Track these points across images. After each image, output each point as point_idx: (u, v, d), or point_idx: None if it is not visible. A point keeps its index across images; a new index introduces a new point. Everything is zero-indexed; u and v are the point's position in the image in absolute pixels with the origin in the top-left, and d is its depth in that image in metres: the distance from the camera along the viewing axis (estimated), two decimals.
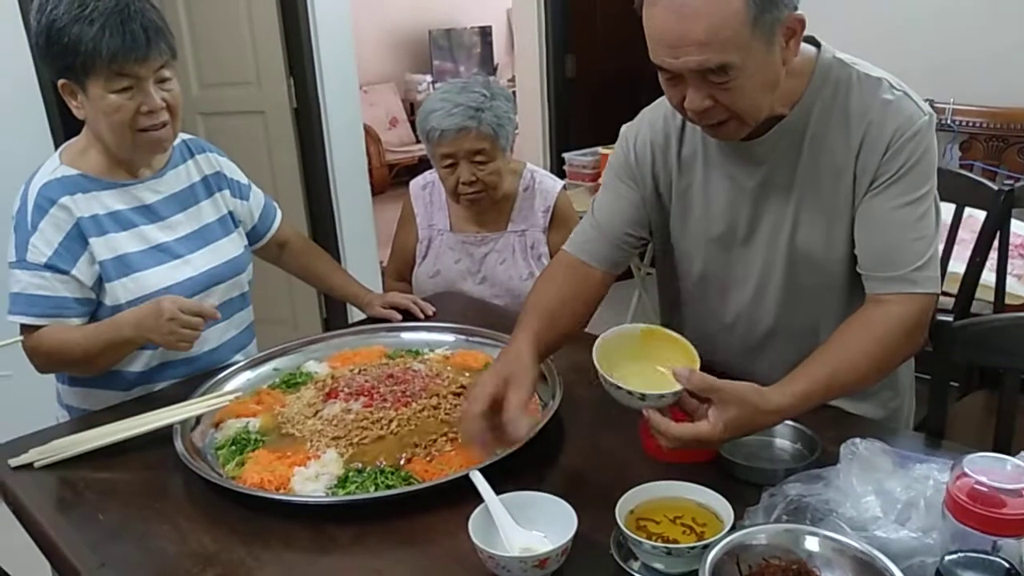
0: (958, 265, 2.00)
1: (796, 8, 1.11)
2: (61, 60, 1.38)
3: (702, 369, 1.09)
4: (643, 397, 1.06)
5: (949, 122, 2.72)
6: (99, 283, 1.48)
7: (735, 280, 1.37)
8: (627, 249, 1.41)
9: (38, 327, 1.45)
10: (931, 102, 2.74)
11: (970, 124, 2.70)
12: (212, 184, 1.66)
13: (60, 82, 1.42)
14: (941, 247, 2.00)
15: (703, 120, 1.17)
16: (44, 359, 1.45)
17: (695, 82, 1.10)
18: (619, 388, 1.08)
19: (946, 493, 0.85)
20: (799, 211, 1.26)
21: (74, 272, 1.45)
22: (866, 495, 0.94)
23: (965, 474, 0.83)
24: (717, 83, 1.09)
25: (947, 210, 2.01)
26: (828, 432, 1.18)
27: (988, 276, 1.96)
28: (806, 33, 1.20)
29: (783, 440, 1.21)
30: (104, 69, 1.36)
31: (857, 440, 1.00)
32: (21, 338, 1.44)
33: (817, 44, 1.25)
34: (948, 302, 2.03)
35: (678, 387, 1.05)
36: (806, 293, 1.31)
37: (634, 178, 1.39)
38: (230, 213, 1.68)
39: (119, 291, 1.48)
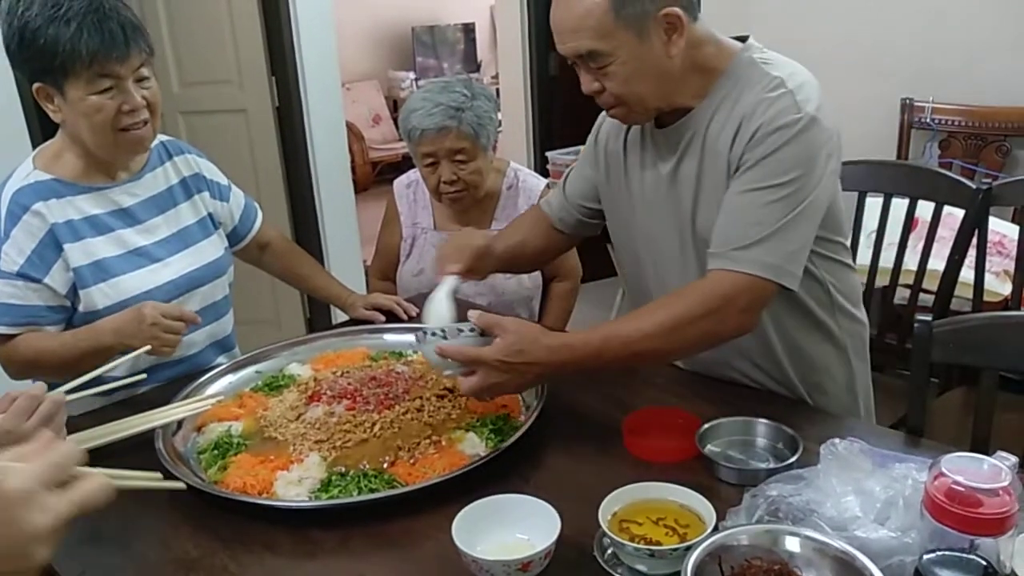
0: (937, 263, 2.02)
1: (674, 4, 1.20)
2: (37, 63, 1.36)
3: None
4: (443, 332, 1.20)
5: (928, 120, 2.74)
6: (73, 290, 1.46)
7: (662, 268, 1.41)
8: (584, 219, 1.57)
9: (12, 336, 1.44)
10: (910, 100, 2.77)
11: (949, 123, 2.72)
12: (191, 186, 1.64)
13: (35, 86, 1.39)
14: (919, 248, 2.02)
15: (601, 103, 1.31)
16: (19, 368, 1.44)
17: (582, 67, 1.26)
18: (423, 333, 1.21)
19: (924, 493, 0.86)
20: (698, 200, 1.31)
21: (47, 280, 1.43)
22: (846, 495, 0.95)
23: (943, 474, 0.84)
24: (595, 68, 1.24)
25: (926, 208, 2.03)
26: (809, 432, 1.19)
27: (967, 273, 1.98)
28: (740, 33, 1.31)
29: (764, 440, 1.22)
30: (84, 70, 1.34)
31: (836, 440, 1.01)
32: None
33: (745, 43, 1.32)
34: (928, 299, 2.05)
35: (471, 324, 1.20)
36: None
37: (591, 160, 1.52)
38: (209, 215, 1.67)
39: (96, 297, 1.46)
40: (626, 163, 1.43)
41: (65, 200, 1.46)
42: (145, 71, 1.42)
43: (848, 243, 1.42)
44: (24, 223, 1.42)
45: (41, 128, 2.47)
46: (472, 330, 1.19)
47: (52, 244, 1.44)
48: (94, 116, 1.39)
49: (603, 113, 1.47)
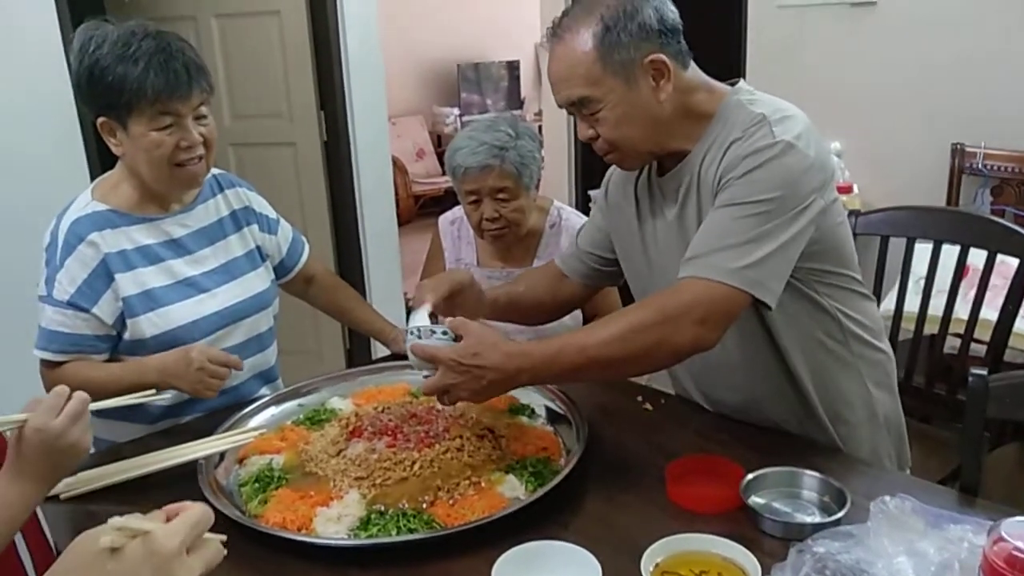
0: (990, 312, 1.97)
1: (660, 51, 1.25)
2: (104, 99, 1.41)
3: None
4: (418, 331, 1.24)
5: (980, 166, 2.70)
6: (121, 320, 1.50)
7: None
8: (594, 266, 1.59)
9: (59, 363, 1.48)
10: (961, 146, 2.73)
11: (1001, 169, 2.67)
12: (240, 219, 1.68)
13: (100, 120, 1.45)
14: (970, 296, 1.98)
15: (596, 150, 1.35)
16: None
17: (577, 114, 1.32)
18: (407, 333, 1.25)
19: (983, 558, 0.83)
20: None
21: (95, 310, 1.47)
22: (898, 555, 0.92)
23: (1002, 538, 0.81)
24: (588, 115, 1.30)
25: (978, 256, 1.99)
26: (857, 486, 1.16)
27: (1021, 324, 1.93)
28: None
29: (810, 492, 1.19)
30: (148, 108, 1.40)
31: (887, 497, 0.98)
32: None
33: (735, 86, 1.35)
34: (979, 349, 2.00)
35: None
36: None
37: (603, 211, 1.57)
38: (258, 248, 1.70)
39: (144, 326, 1.49)
40: (638, 211, 1.45)
41: (119, 230, 1.50)
42: (204, 109, 1.47)
43: (860, 277, 1.41)
44: (79, 253, 1.46)
45: (100, 161, 2.55)
46: (445, 333, 1.23)
47: (103, 274, 1.47)
48: (154, 151, 1.43)
49: (612, 167, 1.51)
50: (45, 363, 1.50)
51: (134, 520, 0.66)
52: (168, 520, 0.69)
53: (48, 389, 1.48)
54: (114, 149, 1.49)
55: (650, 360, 1.24)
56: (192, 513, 0.69)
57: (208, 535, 0.71)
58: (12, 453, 1.01)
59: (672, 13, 1.29)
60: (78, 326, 1.47)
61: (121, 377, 1.45)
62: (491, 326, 1.35)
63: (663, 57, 1.26)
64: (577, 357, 1.19)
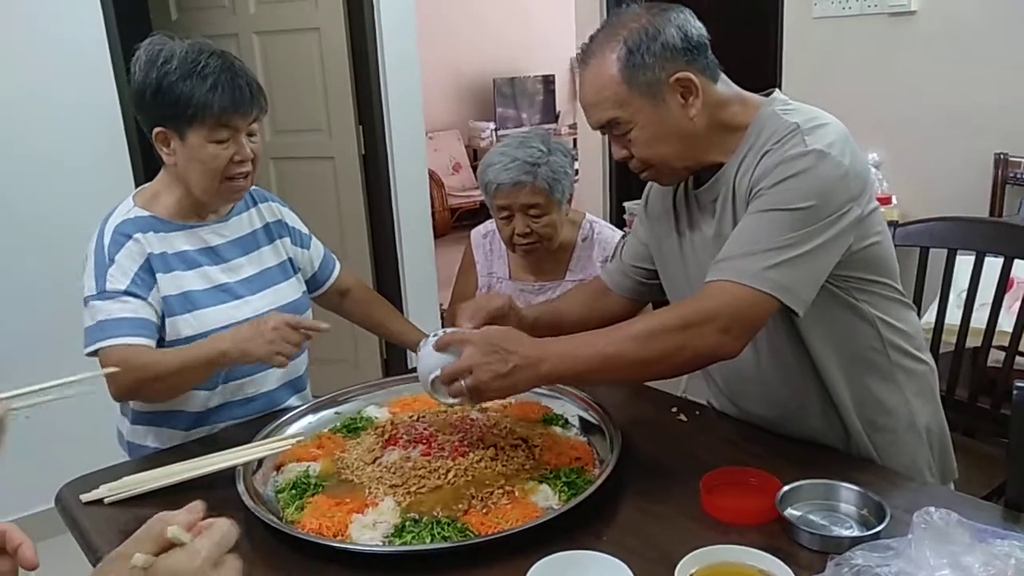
0: None
1: (686, 69, 1.26)
2: (168, 111, 1.46)
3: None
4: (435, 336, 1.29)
5: (1022, 176, 2.64)
6: (162, 316, 1.53)
7: None
8: (638, 279, 1.60)
9: (122, 350, 1.43)
10: (1004, 156, 2.68)
11: None
12: (273, 231, 1.72)
13: (156, 130, 1.49)
14: (1015, 308, 1.93)
15: (632, 168, 1.37)
16: (130, 378, 1.42)
17: (610, 136, 1.34)
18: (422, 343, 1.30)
19: None
20: None
21: (149, 299, 1.51)
22: (941, 568, 0.90)
23: None
24: (619, 136, 1.32)
25: (1016, 267, 1.94)
26: (896, 500, 1.14)
27: None
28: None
29: (848, 506, 1.17)
30: (211, 121, 1.45)
31: (931, 509, 0.95)
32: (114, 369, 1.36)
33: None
34: (1020, 362, 1.95)
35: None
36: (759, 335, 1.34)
37: (644, 224, 1.57)
38: (290, 259, 1.74)
39: (182, 326, 1.53)
40: (677, 224, 1.46)
41: (160, 235, 1.55)
42: (255, 127, 1.53)
43: (901, 287, 1.39)
44: (127, 248, 1.51)
45: (145, 171, 2.62)
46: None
47: (149, 270, 1.52)
48: (210, 163, 1.49)
49: None
50: (105, 354, 1.44)
51: (183, 533, 0.67)
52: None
53: (108, 378, 1.40)
54: (166, 158, 1.53)
55: (669, 364, 1.22)
56: (217, 530, 0.70)
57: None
58: None
59: (696, 30, 1.29)
60: (139, 311, 1.48)
61: (195, 351, 1.44)
62: None
63: (690, 75, 1.27)
64: (595, 354, 1.20)
